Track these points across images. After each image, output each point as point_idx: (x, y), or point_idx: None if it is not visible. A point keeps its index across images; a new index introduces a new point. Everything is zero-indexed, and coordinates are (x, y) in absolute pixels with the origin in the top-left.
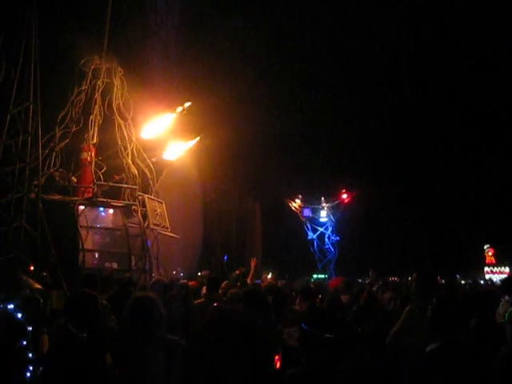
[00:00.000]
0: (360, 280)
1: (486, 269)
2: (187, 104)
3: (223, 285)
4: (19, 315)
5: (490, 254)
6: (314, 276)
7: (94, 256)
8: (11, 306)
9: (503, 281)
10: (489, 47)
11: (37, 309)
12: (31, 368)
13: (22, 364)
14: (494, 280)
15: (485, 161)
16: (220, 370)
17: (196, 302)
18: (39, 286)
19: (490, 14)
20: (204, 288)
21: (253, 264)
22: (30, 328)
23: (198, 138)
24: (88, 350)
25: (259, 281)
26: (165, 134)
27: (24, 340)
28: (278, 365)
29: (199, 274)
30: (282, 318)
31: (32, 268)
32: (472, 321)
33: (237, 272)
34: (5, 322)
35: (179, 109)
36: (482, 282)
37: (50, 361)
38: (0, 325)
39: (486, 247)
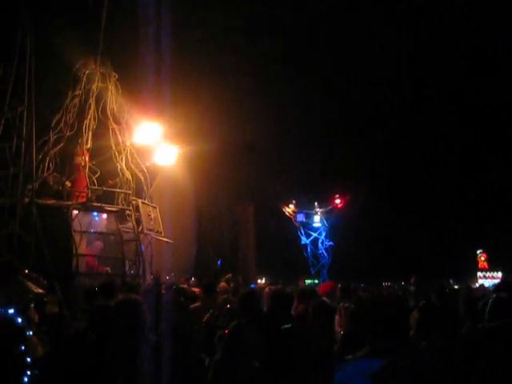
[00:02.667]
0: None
1: (479, 274)
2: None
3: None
4: (19, 320)
5: (483, 258)
6: (307, 281)
7: (91, 261)
8: (11, 311)
9: (498, 284)
10: (489, 47)
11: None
12: (28, 373)
13: (20, 369)
14: (486, 285)
15: (479, 167)
16: None
17: (192, 305)
18: (40, 291)
19: (490, 14)
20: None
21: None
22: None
23: (179, 148)
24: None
25: (254, 285)
26: (158, 139)
27: (22, 345)
28: None
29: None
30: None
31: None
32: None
33: (227, 276)
34: (5, 326)
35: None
36: (477, 285)
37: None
38: (0, 329)
39: (478, 252)
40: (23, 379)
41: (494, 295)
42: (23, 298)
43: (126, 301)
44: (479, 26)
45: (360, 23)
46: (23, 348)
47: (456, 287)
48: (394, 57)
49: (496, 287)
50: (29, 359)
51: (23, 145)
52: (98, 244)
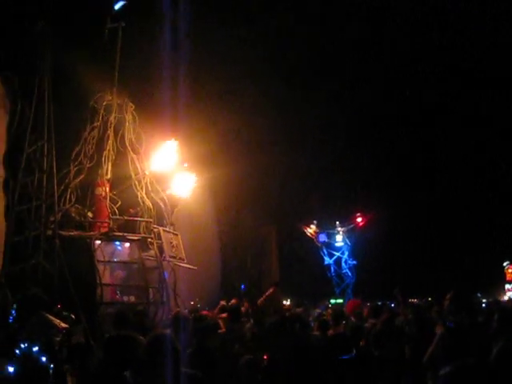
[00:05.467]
0: (379, 303)
1: (507, 286)
2: (173, 142)
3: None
4: (43, 359)
5: (511, 270)
6: (332, 301)
7: (114, 290)
8: (36, 349)
9: None
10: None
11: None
12: None
13: None
14: None
15: (506, 178)
16: None
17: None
18: (64, 325)
19: (490, 15)
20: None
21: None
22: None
23: (196, 177)
24: None
25: None
26: (176, 167)
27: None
28: None
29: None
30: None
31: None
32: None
33: (233, 301)
34: (29, 366)
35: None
36: (505, 298)
37: None
38: (24, 369)
39: (505, 264)
40: None
41: None
42: (46, 333)
43: (157, 337)
44: (479, 30)
45: (360, 28)
46: None
47: (484, 301)
48: (414, 68)
49: None
50: None
51: (44, 177)
52: (118, 273)
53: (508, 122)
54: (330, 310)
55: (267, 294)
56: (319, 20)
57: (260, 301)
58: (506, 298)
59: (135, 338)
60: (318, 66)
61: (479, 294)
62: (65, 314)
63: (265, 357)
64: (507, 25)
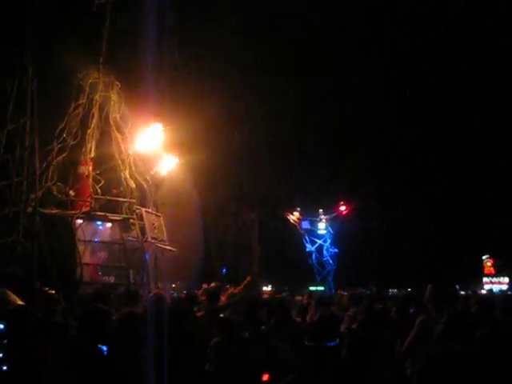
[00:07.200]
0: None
1: (485, 279)
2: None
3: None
4: (1, 326)
5: (489, 264)
6: (312, 288)
7: (94, 270)
8: None
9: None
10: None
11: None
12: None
13: None
14: (494, 290)
15: (483, 171)
16: None
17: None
18: (21, 303)
19: (490, 15)
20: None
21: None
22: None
23: (179, 158)
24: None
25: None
26: (160, 148)
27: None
28: (266, 377)
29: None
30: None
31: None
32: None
33: (212, 284)
34: None
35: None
36: (483, 291)
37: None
38: None
39: (485, 258)
40: None
41: None
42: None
43: (127, 315)
44: (477, 33)
45: (360, 30)
46: (1, 355)
47: (463, 293)
48: (399, 63)
49: None
50: (4, 367)
51: (26, 154)
52: (102, 254)
53: (508, 122)
54: (305, 296)
55: (244, 283)
56: (319, 20)
57: (238, 289)
58: (483, 291)
59: (109, 312)
60: (317, 64)
61: (457, 287)
62: (50, 291)
63: None
64: (507, 25)
